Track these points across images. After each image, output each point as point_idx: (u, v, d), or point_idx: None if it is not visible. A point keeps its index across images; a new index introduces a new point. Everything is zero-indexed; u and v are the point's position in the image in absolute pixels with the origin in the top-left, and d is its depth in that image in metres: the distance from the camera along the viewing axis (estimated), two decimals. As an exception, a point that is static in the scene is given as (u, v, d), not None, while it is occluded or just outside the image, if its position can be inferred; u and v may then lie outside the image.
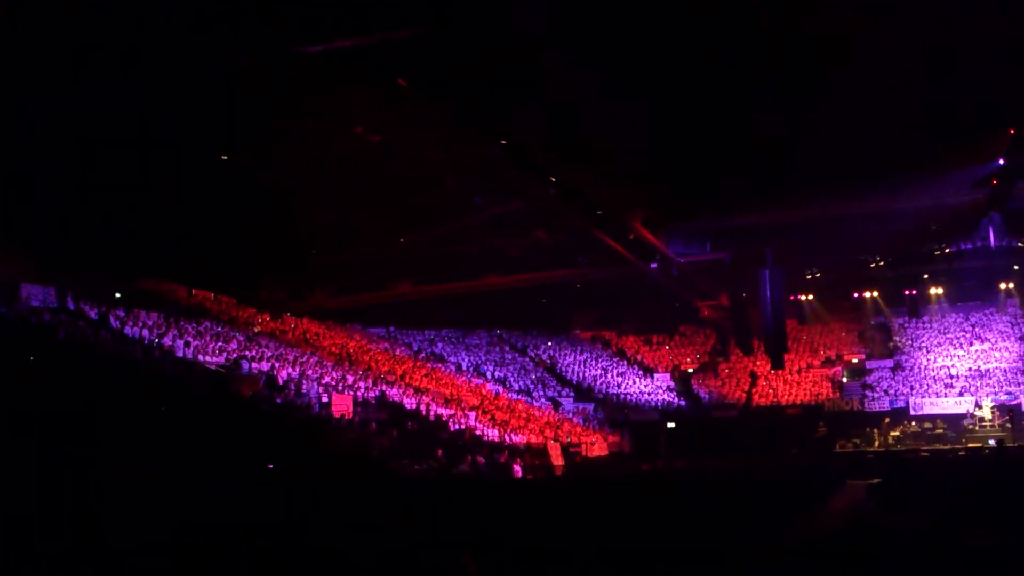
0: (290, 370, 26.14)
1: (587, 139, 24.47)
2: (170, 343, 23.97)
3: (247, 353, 26.10)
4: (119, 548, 6.77)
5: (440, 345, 42.37)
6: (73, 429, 12.88)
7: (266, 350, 27.75)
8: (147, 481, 9.35)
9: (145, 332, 24.03)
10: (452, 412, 29.48)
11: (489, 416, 31.38)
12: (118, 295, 28.29)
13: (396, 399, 28.36)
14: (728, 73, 20.12)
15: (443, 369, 38.18)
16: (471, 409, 31.23)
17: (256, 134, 23.88)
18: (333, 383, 26.73)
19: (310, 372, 26.94)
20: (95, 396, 16.24)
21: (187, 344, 24.43)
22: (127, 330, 23.68)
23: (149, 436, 13.88)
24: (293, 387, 24.20)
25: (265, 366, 25.42)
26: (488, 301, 40.44)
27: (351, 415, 24.24)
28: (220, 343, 26.24)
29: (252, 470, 13.81)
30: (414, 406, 28.34)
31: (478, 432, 28.49)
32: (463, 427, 28.27)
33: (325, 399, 24.63)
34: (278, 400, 22.71)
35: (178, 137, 23.04)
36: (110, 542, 6.91)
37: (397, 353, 37.87)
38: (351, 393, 26.20)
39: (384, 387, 29.08)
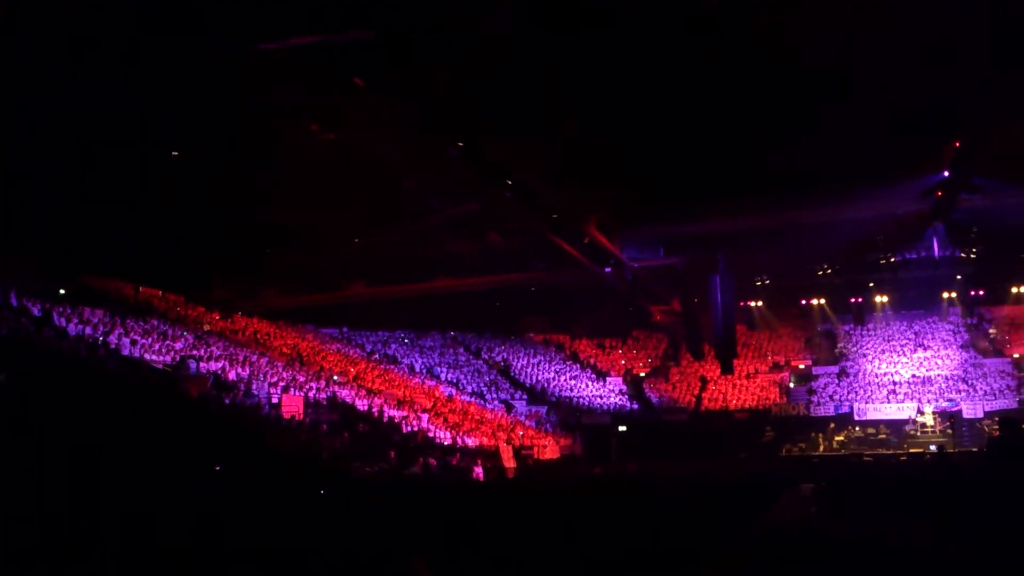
0: (240, 370, 25.78)
1: (545, 142, 24.57)
2: (116, 341, 23.47)
3: (195, 353, 25.68)
4: (57, 551, 6.63)
5: (393, 346, 42.15)
6: (13, 429, 12.57)
7: (215, 350, 27.34)
8: (90, 482, 9.17)
9: (90, 330, 23.52)
10: (405, 414, 29.35)
11: (442, 418, 31.29)
12: (62, 292, 27.65)
13: (348, 400, 28.15)
14: (686, 84, 20.36)
15: (396, 371, 37.98)
16: (424, 411, 31.10)
17: (208, 130, 23.56)
18: (284, 383, 26.44)
19: (260, 372, 26.61)
20: (37, 395, 15.86)
21: (133, 343, 23.94)
22: (71, 328, 23.16)
23: (92, 437, 13.60)
24: (243, 387, 23.88)
25: (214, 366, 25.03)
26: (443, 303, 40.38)
27: (302, 416, 23.99)
28: (167, 342, 25.79)
29: (199, 472, 13.61)
30: (366, 408, 28.17)
31: (430, 434, 28.39)
32: (415, 429, 28.16)
33: (275, 400, 24.34)
34: (227, 401, 22.39)
35: (127, 132, 22.62)
36: (47, 544, 6.76)
37: (350, 354, 37.59)
38: (302, 394, 25.93)
39: (336, 388, 28.84)
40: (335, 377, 29.75)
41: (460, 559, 7.18)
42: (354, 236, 32.17)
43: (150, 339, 25.33)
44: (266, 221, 30.25)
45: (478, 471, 24.14)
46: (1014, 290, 40.89)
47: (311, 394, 26.68)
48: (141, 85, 20.18)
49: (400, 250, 33.54)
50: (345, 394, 28.69)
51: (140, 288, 32.87)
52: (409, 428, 27.95)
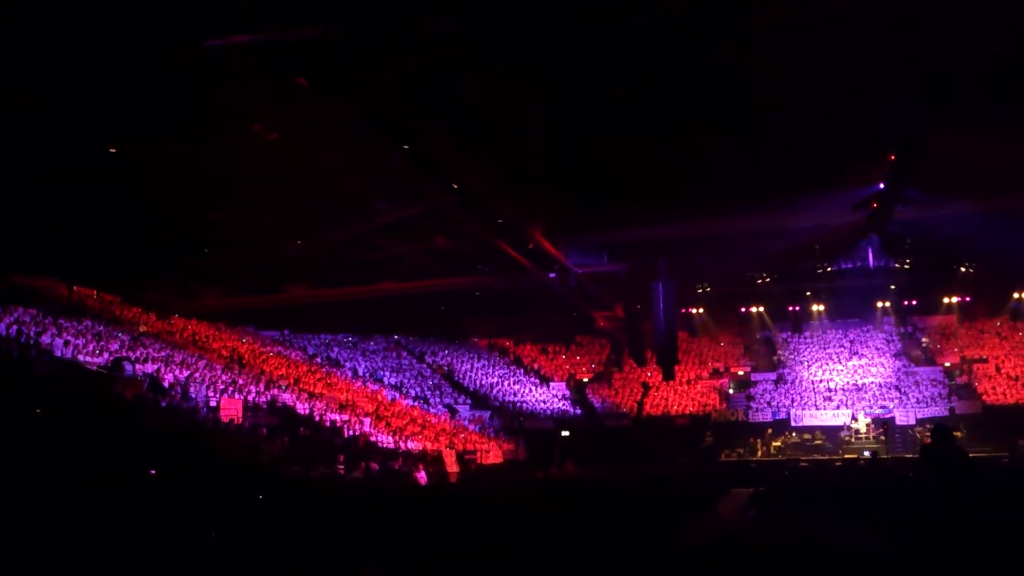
0: (177, 372, 25.27)
1: (491, 147, 24.58)
2: (48, 341, 22.84)
3: (131, 354, 25.09)
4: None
5: (336, 350, 41.73)
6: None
7: (152, 351, 26.75)
8: (15, 487, 8.88)
9: (20, 329, 22.83)
10: (347, 418, 29.08)
11: (384, 422, 31.09)
12: (-8, 290, 26.78)
13: (289, 404, 27.78)
14: (629, 91, 20.55)
15: (339, 374, 37.61)
16: (366, 415, 30.86)
17: (148, 127, 23.03)
18: (223, 387, 25.97)
19: (198, 375, 26.11)
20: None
21: (66, 343, 23.32)
22: (1, 327, 22.45)
23: (21, 439, 13.19)
24: (179, 390, 23.40)
25: (150, 368, 24.49)
26: (387, 306, 40.08)
27: (240, 420, 23.61)
28: (102, 343, 25.16)
29: (132, 476, 13.27)
30: (307, 411, 27.83)
31: (373, 438, 28.20)
32: (357, 433, 27.93)
33: (214, 403, 23.91)
34: (163, 404, 21.91)
35: (61, 127, 22.01)
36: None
37: (291, 357, 37.10)
38: (241, 397, 25.52)
39: (276, 392, 28.44)
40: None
41: (401, 565, 7.12)
42: (296, 237, 31.72)
43: (84, 340, 24.70)
44: (206, 221, 29.68)
45: (420, 476, 24.02)
46: (945, 300, 42.17)
47: (251, 398, 26.29)
48: (76, 79, 19.68)
49: (343, 252, 33.18)
50: (286, 398, 28.33)
51: (74, 288, 32.01)
52: (351, 432, 27.71)
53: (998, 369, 38.81)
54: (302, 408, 27.92)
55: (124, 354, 24.63)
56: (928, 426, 31.61)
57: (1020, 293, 40.06)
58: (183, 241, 31.35)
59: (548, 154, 24.60)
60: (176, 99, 21.20)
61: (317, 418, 27.66)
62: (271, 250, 32.59)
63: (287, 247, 32.45)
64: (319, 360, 39.01)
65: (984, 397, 36.41)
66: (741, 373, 42.73)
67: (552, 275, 35.21)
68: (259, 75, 20.28)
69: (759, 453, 33.92)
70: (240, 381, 27.70)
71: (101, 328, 27.23)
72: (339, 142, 24.34)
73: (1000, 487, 11.95)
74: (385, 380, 40.06)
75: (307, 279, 37.38)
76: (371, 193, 27.93)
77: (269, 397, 27.42)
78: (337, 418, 28.59)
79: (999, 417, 33.97)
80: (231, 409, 23.86)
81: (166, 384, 23.54)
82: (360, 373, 39.78)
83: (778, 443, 34.47)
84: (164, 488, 11.71)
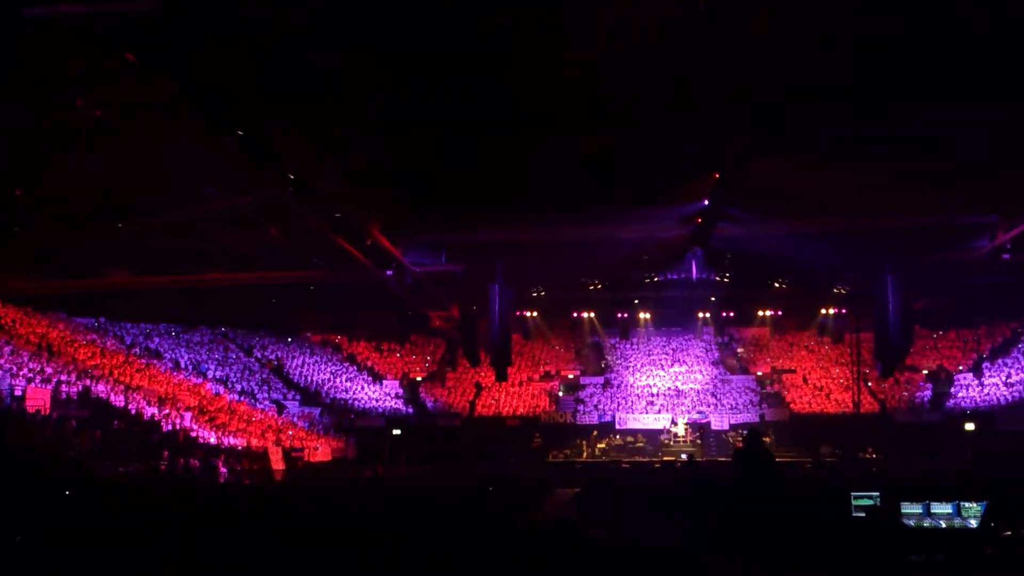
0: (-24, 359, 23.35)
1: (332, 140, 24.07)
2: None
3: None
4: None
5: (157, 340, 39.65)
6: None
7: (-53, 335, 24.60)
8: None
9: None
10: (166, 412, 27.77)
11: (207, 417, 29.90)
12: None
13: (103, 396, 26.21)
14: (464, 98, 20.62)
15: (159, 365, 35.82)
16: (187, 409, 29.57)
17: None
18: (30, 375, 24.21)
19: (2, 362, 24.20)
20: None
21: None
22: None
23: None
24: (-22, 378, 21.65)
25: (-56, 353, 22.52)
26: (214, 297, 38.37)
27: (48, 411, 22.11)
28: None
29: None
30: (123, 404, 26.36)
31: (194, 434, 27.07)
32: (177, 428, 26.72)
33: (19, 392, 22.29)
34: (-42, 392, 20.20)
35: None
36: None
37: (107, 346, 34.97)
38: (50, 387, 23.88)
39: (89, 382, 26.76)
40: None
41: (215, 564, 6.89)
42: (117, 220, 29.82)
43: None
44: (15, 197, 27.44)
45: (221, 470, 23.25)
46: (760, 313, 44.91)
47: (60, 388, 24.63)
48: None
49: (169, 238, 31.48)
50: (99, 389, 26.72)
51: None
52: (170, 427, 26.49)
53: (805, 380, 41.84)
54: (117, 400, 26.44)
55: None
56: (741, 431, 33.62)
57: (826, 309, 43.15)
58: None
59: (389, 150, 24.38)
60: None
61: (134, 411, 26.27)
62: (89, 232, 30.49)
63: (107, 230, 30.45)
64: (137, 351, 36.97)
65: (792, 405, 39.16)
66: (571, 376, 43.90)
67: (389, 273, 34.88)
68: (84, 47, 18.98)
69: (585, 454, 34.95)
70: (49, 370, 25.90)
71: None
72: (168, 124, 23.11)
73: (800, 489, 12.92)
74: (209, 373, 38.49)
75: (128, 264, 35.17)
76: (201, 179, 26.66)
77: (81, 388, 25.79)
78: (156, 412, 27.25)
79: (805, 424, 36.67)
80: (38, 399, 22.37)
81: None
82: (183, 365, 38.04)
83: (603, 445, 35.64)
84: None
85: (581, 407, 40.14)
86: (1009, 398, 37.25)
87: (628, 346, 46.11)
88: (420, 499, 13.45)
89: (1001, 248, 30.83)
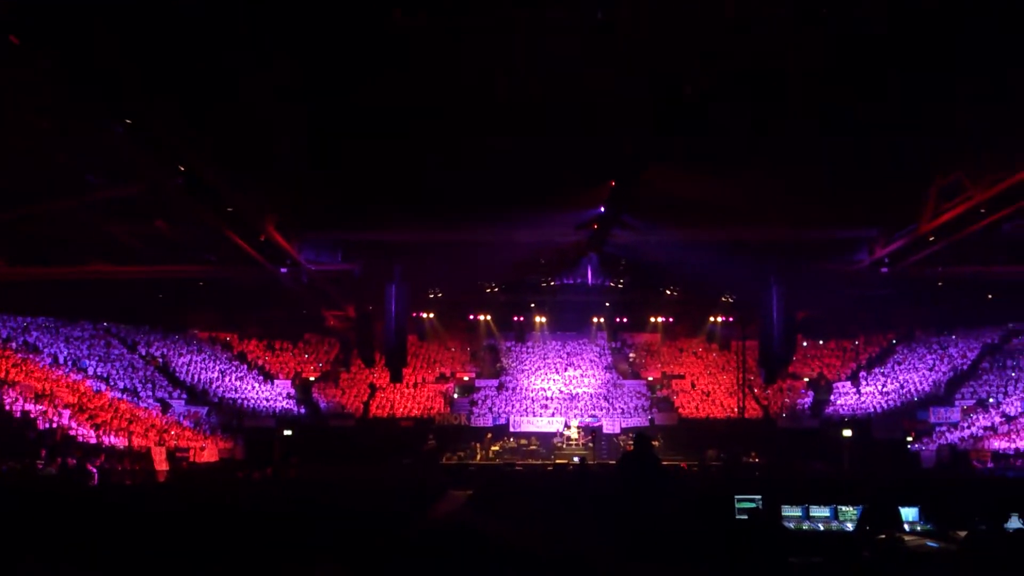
0: None
1: (226, 132, 23.38)
2: None
3: None
4: None
5: (35, 334, 37.67)
6: None
7: None
8: None
9: None
10: (43, 408, 26.47)
11: (87, 415, 28.64)
12: None
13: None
14: (370, 98, 20.42)
15: (36, 360, 34.10)
16: (66, 407, 28.26)
17: None
18: None
19: None
20: None
21: None
22: None
23: None
24: None
25: None
26: (96, 290, 36.70)
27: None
28: None
29: None
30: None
31: (72, 432, 25.91)
32: (55, 426, 25.51)
33: None
34: None
35: None
36: None
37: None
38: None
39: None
40: None
41: (90, 569, 6.60)
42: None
43: None
44: None
45: (93, 472, 22.31)
46: (652, 319, 45.97)
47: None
48: None
49: (48, 228, 29.92)
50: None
51: None
52: (47, 424, 25.27)
53: (693, 385, 43.06)
54: (-13, 398, 25.06)
55: None
56: (631, 435, 34.29)
57: (715, 317, 44.48)
58: None
59: (287, 147, 23.87)
60: None
61: (8, 407, 24.95)
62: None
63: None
64: (14, 345, 35.12)
65: (680, 410, 40.22)
66: (466, 379, 43.97)
67: (284, 270, 34.11)
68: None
69: (479, 457, 35.01)
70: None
71: None
72: (50, 108, 21.98)
73: (685, 490, 13.25)
74: (90, 370, 36.86)
75: (3, 255, 33.27)
76: (83, 167, 25.43)
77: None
78: (32, 408, 25.95)
79: (692, 429, 37.73)
80: None
81: None
82: (61, 361, 36.31)
83: (497, 447, 35.77)
84: None
85: (476, 409, 40.22)
86: (884, 406, 39.26)
87: (524, 349, 46.46)
88: (315, 499, 13.21)
89: (879, 262, 32.41)
